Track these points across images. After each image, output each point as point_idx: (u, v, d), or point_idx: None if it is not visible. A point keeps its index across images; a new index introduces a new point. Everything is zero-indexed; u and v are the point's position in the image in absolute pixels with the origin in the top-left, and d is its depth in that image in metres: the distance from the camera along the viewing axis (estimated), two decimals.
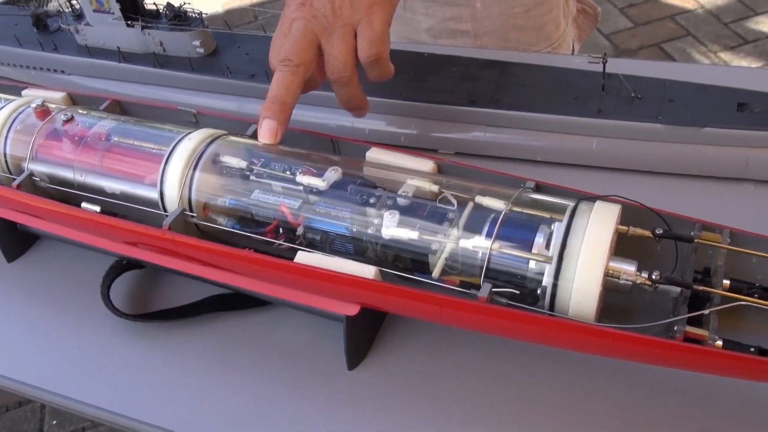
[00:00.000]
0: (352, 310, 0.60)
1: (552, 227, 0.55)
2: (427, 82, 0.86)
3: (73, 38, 0.99)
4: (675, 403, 0.59)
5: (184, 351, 0.70)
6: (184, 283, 0.73)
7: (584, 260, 0.51)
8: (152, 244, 0.66)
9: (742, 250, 0.54)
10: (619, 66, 0.80)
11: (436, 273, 0.57)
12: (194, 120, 0.77)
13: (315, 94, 0.87)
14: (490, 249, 0.54)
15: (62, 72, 1.02)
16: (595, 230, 0.52)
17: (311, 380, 0.66)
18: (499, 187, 0.60)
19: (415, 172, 0.64)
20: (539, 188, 0.62)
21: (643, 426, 0.58)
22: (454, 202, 0.58)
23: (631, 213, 0.58)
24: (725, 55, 2.65)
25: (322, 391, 0.65)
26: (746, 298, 0.50)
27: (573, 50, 1.21)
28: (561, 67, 0.84)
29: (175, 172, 0.65)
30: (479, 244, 0.55)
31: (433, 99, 0.84)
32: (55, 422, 1.77)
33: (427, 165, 0.65)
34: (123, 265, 0.73)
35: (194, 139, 0.66)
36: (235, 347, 0.69)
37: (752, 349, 0.50)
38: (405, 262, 0.59)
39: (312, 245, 0.62)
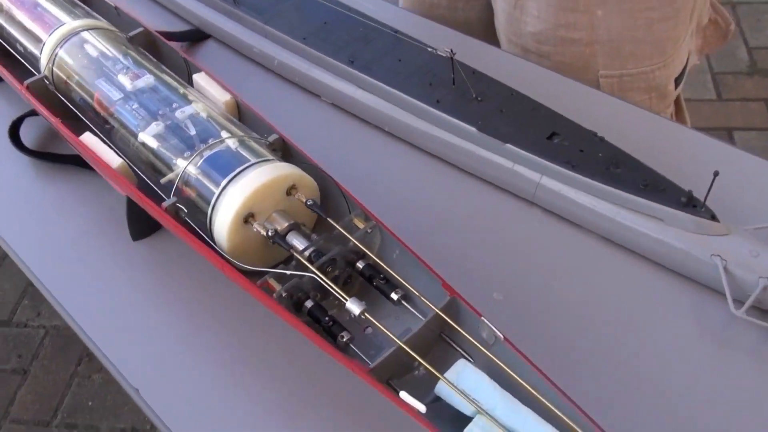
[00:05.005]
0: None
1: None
2: (333, 34, 0.95)
3: None
4: None
5: None
6: None
7: (229, 198, 0.62)
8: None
9: (350, 237, 0.62)
10: (496, 63, 0.83)
11: (165, 180, 0.70)
12: (116, 14, 0.93)
13: None
14: (184, 169, 0.66)
15: None
16: (250, 179, 0.62)
17: (95, 246, 0.79)
18: (253, 139, 0.71)
19: (211, 101, 0.77)
20: (285, 144, 0.72)
21: None
22: (194, 130, 0.70)
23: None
24: None
25: (104, 257, 0.78)
26: (318, 272, 0.58)
27: (687, 63, 1.08)
28: (433, 53, 0.88)
29: (49, 45, 0.82)
30: (182, 165, 0.67)
31: (328, 51, 0.93)
32: None
33: (224, 96, 0.77)
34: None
35: (74, 23, 0.83)
36: None
37: (327, 318, 0.59)
38: (154, 166, 0.72)
39: (112, 131, 0.77)
